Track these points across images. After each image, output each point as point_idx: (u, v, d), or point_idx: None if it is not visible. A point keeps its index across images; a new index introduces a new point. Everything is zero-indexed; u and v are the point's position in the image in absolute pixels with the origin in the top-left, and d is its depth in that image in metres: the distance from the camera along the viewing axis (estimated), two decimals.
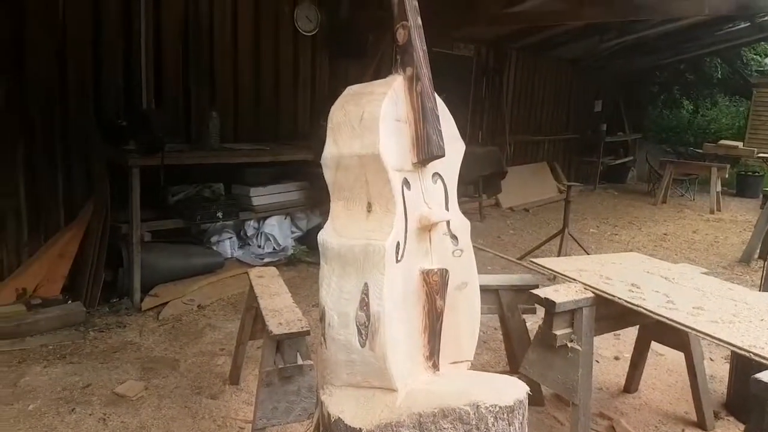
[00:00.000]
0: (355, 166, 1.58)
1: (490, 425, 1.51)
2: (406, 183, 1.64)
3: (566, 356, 2.62)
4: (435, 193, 1.77)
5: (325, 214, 3.94)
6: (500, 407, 1.52)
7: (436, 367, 1.71)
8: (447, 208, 1.82)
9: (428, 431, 1.45)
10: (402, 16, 1.70)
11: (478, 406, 1.49)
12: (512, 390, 1.64)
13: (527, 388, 1.68)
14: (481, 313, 3.19)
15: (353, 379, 1.54)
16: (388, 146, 1.56)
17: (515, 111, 9.96)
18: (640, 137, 13.37)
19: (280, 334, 2.25)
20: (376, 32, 6.08)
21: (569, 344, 2.61)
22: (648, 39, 9.88)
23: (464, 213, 1.89)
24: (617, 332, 3.85)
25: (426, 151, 1.66)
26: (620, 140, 12.44)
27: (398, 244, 1.56)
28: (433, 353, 1.71)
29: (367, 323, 1.49)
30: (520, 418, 1.61)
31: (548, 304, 2.56)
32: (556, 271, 2.88)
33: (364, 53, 6.15)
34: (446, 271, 1.71)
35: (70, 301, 3.90)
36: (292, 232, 5.37)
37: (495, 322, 3.56)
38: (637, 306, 2.37)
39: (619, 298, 2.47)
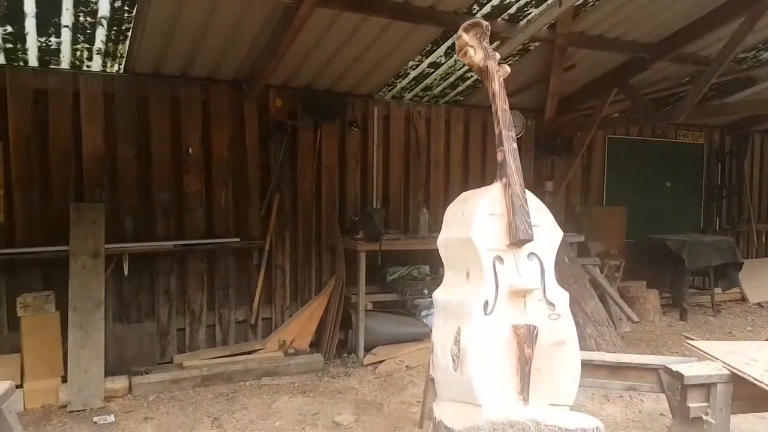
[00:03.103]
0: (458, 246, 2.30)
1: None
2: (499, 259, 2.29)
3: (701, 429, 2.79)
4: (529, 268, 2.37)
5: None
6: (559, 428, 2.02)
7: (525, 400, 2.25)
8: (543, 282, 2.40)
9: None
10: (500, 143, 2.44)
11: (538, 422, 2.01)
12: (583, 421, 2.10)
13: (600, 425, 2.11)
14: (643, 391, 3.46)
15: (452, 394, 2.20)
16: (480, 233, 2.26)
17: (764, 197, 9.19)
18: None
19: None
20: (579, 132, 6.62)
21: (704, 417, 2.79)
22: None
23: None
24: None
25: (515, 235, 2.31)
26: None
27: (486, 302, 2.21)
28: (523, 389, 2.25)
29: (458, 354, 2.15)
30: None
31: (678, 377, 2.81)
32: (701, 350, 3.06)
33: (569, 150, 6.69)
34: (534, 327, 2.27)
35: (314, 353, 5.12)
36: None
37: None
38: (760, 381, 2.50)
39: (746, 375, 2.61)
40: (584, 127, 6.54)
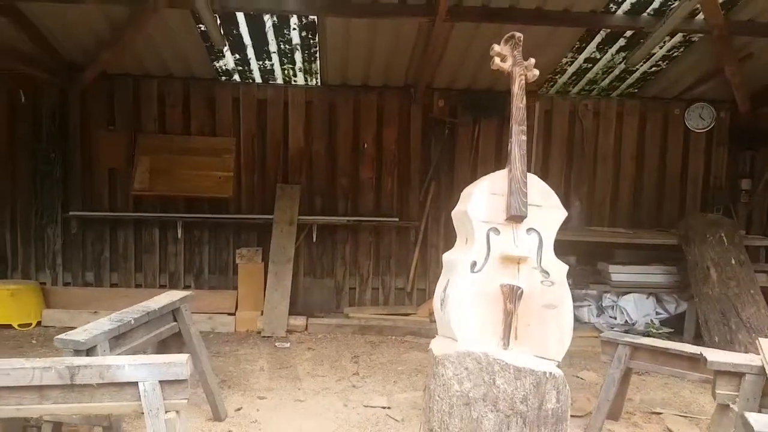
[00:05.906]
0: (462, 217, 2.87)
1: (496, 370, 2.52)
2: (495, 230, 2.80)
3: (728, 415, 2.84)
4: (526, 241, 2.82)
5: (689, 299, 4.91)
6: (505, 362, 2.51)
7: (505, 345, 2.73)
8: (540, 253, 2.83)
9: (461, 363, 2.59)
10: (510, 135, 2.91)
11: (488, 355, 2.54)
12: (535, 363, 2.55)
13: (555, 371, 2.53)
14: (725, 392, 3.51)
15: (441, 331, 2.81)
16: (477, 207, 2.79)
17: None
18: None
19: None
20: None
21: (731, 405, 2.83)
22: None
23: None
24: None
25: (509, 212, 2.79)
26: None
27: (474, 262, 2.75)
28: (504, 336, 2.74)
29: (444, 299, 2.75)
30: (533, 381, 2.50)
31: (703, 361, 2.90)
32: (760, 345, 3.01)
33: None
34: (518, 287, 2.73)
35: None
36: (657, 314, 5.84)
37: None
38: None
39: None
40: None
